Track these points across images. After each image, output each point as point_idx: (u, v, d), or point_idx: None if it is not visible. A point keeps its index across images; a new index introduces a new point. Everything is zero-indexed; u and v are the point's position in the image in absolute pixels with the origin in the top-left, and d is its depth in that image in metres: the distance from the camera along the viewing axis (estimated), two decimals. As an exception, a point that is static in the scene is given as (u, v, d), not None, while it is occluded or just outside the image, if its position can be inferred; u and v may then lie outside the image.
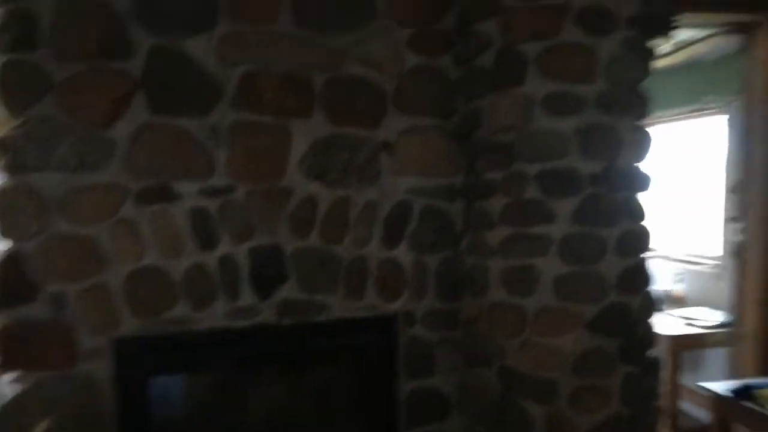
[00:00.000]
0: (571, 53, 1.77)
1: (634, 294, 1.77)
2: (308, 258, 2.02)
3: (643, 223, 1.82)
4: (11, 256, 1.80)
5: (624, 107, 1.79)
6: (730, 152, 3.43)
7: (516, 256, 1.79)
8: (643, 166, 1.85)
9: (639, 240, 1.79)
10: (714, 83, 3.03)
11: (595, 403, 1.69)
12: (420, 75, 2.13)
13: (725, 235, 3.47)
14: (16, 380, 1.82)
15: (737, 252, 2.75)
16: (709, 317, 3.15)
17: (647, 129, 1.86)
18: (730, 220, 2.80)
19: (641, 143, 1.81)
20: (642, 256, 1.81)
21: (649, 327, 1.81)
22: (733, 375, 2.71)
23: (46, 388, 1.81)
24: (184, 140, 1.93)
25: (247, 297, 1.98)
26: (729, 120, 3.51)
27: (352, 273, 2.05)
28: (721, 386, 2.22)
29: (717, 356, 3.14)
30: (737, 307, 2.75)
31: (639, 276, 1.78)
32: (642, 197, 1.84)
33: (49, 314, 1.82)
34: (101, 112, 1.87)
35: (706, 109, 3.26)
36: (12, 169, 1.82)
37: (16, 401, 1.79)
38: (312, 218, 2.03)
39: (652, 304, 1.83)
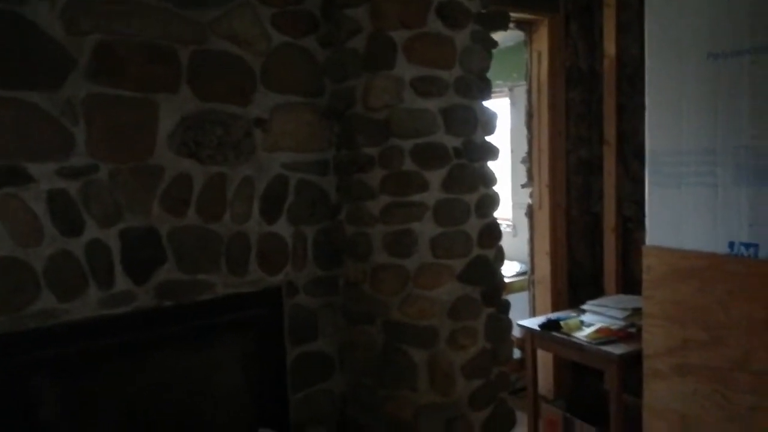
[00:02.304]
0: (434, 42, 2.00)
1: (491, 248, 2.11)
2: (187, 238, 1.96)
3: (494, 188, 2.17)
4: None
5: (476, 91, 2.09)
6: (512, 128, 4.16)
7: (396, 222, 1.98)
8: (492, 140, 2.19)
9: (492, 203, 2.13)
10: (501, 70, 3.60)
11: (468, 342, 2.00)
12: (287, 54, 2.17)
13: (515, 199, 4.22)
14: None
15: (529, 213, 3.35)
16: (509, 268, 3.83)
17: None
18: (521, 185, 3.37)
19: (490, 121, 2.15)
20: (494, 216, 2.16)
21: (501, 275, 2.18)
22: (533, 314, 3.32)
23: None
24: (35, 116, 1.71)
25: (121, 283, 1.85)
26: (511, 102, 4.25)
27: (233, 249, 2.05)
28: (529, 323, 2.73)
29: (519, 300, 3.79)
30: (531, 258, 3.36)
31: (493, 232, 2.12)
32: (492, 166, 2.19)
33: None
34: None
35: (496, 92, 3.90)
36: None
37: None
38: (187, 196, 1.97)
39: (503, 256, 2.21)
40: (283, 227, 2.16)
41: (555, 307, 3.11)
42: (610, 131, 2.92)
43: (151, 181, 1.90)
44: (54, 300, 1.74)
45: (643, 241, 1.98)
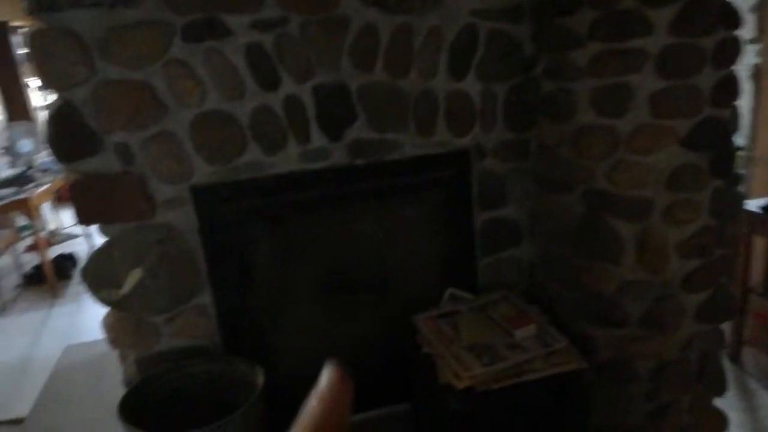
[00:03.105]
0: None
1: (725, 107, 1.73)
2: (375, 94, 1.90)
3: (737, 30, 1.73)
4: (64, 107, 1.63)
5: None
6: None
7: (608, 74, 1.69)
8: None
9: (734, 48, 1.71)
10: None
11: (687, 217, 1.72)
12: None
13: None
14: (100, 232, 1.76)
15: (754, 74, 2.71)
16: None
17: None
18: (748, 40, 2.71)
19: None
20: (734, 66, 1.74)
21: (734, 141, 1.81)
22: (748, 196, 2.81)
23: (130, 239, 1.75)
24: (226, -37, 1.67)
25: (317, 139, 1.88)
26: None
27: (420, 108, 1.95)
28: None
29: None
30: (753, 131, 2.79)
31: (731, 88, 1.72)
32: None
33: (119, 166, 1.70)
34: None
35: None
36: (38, 8, 1.57)
37: (101, 253, 1.74)
38: (374, 49, 1.86)
39: (738, 118, 1.81)
40: (471, 84, 1.98)
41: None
42: None
43: (338, 33, 1.83)
44: (260, 153, 1.83)
45: None
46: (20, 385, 2.76)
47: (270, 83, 1.79)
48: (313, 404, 0.17)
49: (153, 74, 1.68)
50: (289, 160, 1.86)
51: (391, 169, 1.97)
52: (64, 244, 5.10)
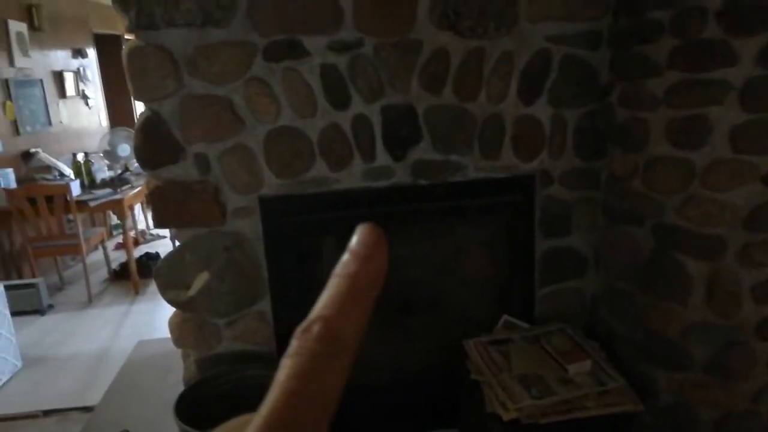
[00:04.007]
0: None
1: (818, 145, 1.61)
2: (442, 116, 1.92)
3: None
4: (152, 118, 1.77)
5: None
6: None
7: (686, 106, 1.63)
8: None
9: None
10: None
11: (765, 260, 1.61)
12: None
13: None
14: (173, 236, 1.89)
15: None
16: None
17: None
18: None
19: None
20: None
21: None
22: None
23: (201, 244, 1.86)
24: (309, -11, 1.77)
25: (382, 158, 1.92)
26: None
27: (487, 132, 1.95)
28: None
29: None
30: None
31: (825, 125, 1.61)
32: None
33: (197, 174, 1.82)
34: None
35: None
36: (138, 27, 1.73)
37: (175, 255, 1.86)
38: (444, 73, 1.89)
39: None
40: (541, 109, 1.96)
41: None
42: None
43: (410, 56, 1.87)
44: (326, 169, 1.90)
45: None
46: (97, 375, 2.98)
47: (341, 102, 1.86)
48: (347, 259, 0.17)
49: (234, 90, 1.80)
50: (353, 177, 1.91)
51: (454, 191, 1.98)
52: (151, 243, 5.46)
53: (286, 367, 0.20)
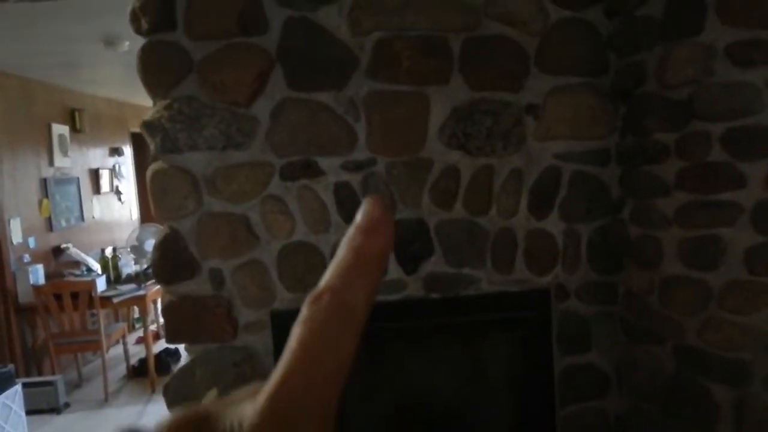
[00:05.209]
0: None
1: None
2: (453, 231, 1.94)
3: None
4: (171, 235, 1.84)
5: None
6: None
7: (697, 226, 1.62)
8: None
9: None
10: None
11: (797, 388, 1.54)
12: (565, 30, 1.95)
13: None
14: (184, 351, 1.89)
15: None
16: None
17: None
18: None
19: None
20: None
21: None
22: None
23: (211, 359, 1.86)
24: (323, 114, 1.88)
25: (393, 271, 1.93)
26: None
27: (499, 245, 1.96)
28: None
29: None
30: None
31: None
32: None
33: (210, 290, 1.85)
34: (242, 90, 1.85)
35: None
36: (163, 151, 1.83)
37: (185, 371, 1.85)
38: (455, 189, 1.94)
39: None
40: (553, 224, 1.97)
41: None
42: None
43: (421, 174, 1.93)
44: (337, 283, 1.91)
45: None
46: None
47: (354, 217, 1.90)
48: (352, 233, 0.17)
49: (251, 208, 1.86)
50: (364, 292, 1.91)
51: (467, 305, 1.96)
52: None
53: (297, 334, 0.20)
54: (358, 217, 0.23)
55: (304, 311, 0.21)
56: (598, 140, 1.95)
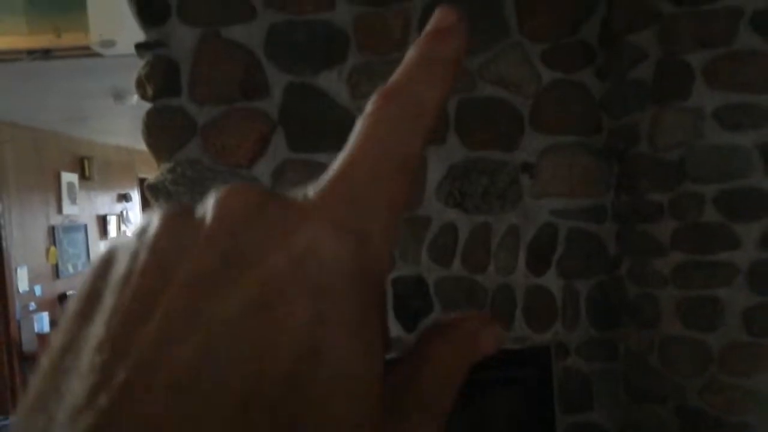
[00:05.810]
0: (747, 62, 1.58)
1: (840, 326, 1.57)
2: (452, 288, 1.95)
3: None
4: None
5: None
6: None
7: (693, 286, 1.62)
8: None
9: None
10: None
11: (803, 453, 1.51)
12: (558, 91, 2.00)
13: None
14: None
15: None
16: None
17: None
18: None
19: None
20: None
21: None
22: None
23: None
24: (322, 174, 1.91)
25: (393, 329, 1.93)
26: None
27: (498, 303, 1.96)
28: None
29: None
30: None
31: None
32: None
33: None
34: (244, 153, 1.89)
35: None
36: (166, 213, 1.87)
37: None
38: (453, 246, 1.96)
39: None
40: (551, 281, 1.98)
41: None
42: None
43: (420, 231, 1.96)
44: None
45: None
46: None
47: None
48: (422, 38, 0.15)
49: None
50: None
51: (467, 364, 1.95)
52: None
53: (361, 126, 0.19)
54: (430, 24, 0.21)
55: (368, 106, 0.19)
56: (594, 198, 1.98)
